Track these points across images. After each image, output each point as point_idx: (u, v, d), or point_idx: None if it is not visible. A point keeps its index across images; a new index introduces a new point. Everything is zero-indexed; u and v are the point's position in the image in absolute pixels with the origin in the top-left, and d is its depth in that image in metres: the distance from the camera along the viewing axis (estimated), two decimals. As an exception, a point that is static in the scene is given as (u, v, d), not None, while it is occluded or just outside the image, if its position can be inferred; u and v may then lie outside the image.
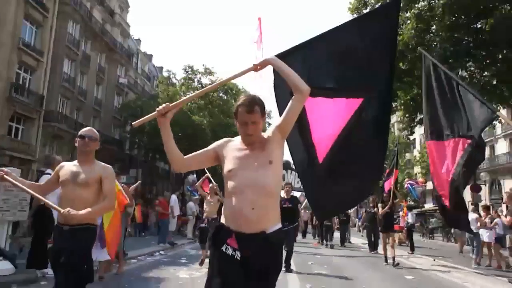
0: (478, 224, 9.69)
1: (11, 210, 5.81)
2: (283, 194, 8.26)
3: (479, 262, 9.79)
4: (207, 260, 6.78)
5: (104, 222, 5.19)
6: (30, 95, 21.88)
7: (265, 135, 2.30)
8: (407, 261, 10.68)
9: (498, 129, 31.14)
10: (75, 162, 3.23)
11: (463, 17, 11.89)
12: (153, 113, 2.20)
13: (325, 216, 3.61)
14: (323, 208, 3.59)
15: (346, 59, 3.18)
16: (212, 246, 2.20)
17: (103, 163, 3.31)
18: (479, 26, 12.18)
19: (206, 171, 8.41)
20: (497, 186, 32.70)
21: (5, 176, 2.89)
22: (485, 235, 9.67)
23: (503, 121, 18.06)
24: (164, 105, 2.22)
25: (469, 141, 4.41)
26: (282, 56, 2.81)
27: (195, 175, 16.17)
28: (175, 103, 2.26)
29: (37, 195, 3.06)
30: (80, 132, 3.25)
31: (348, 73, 3.19)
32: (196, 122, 27.45)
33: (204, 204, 8.45)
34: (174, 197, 13.33)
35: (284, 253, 6.77)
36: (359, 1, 14.15)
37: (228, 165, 2.21)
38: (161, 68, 49.70)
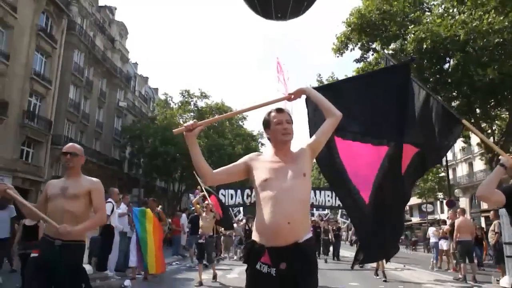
0: (436, 235, 11.83)
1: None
2: None
3: (440, 266, 11.84)
4: (206, 276, 8.22)
5: (148, 240, 7.04)
6: (40, 121, 23.47)
7: (296, 150, 2.37)
8: (401, 273, 11.16)
9: (476, 148, 33.47)
10: (63, 179, 3.30)
11: (426, 61, 14.00)
12: (181, 128, 2.28)
13: (366, 259, 3.50)
14: (367, 247, 3.41)
15: (370, 107, 3.26)
16: (247, 265, 2.21)
17: (90, 178, 3.34)
18: (443, 67, 14.33)
19: (203, 189, 8.85)
20: (475, 200, 34.91)
21: (7, 190, 2.96)
22: (444, 244, 11.55)
23: (478, 140, 20.00)
24: (192, 121, 2.28)
25: (416, 149, 3.69)
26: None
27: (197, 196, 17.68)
28: (203, 121, 2.37)
29: (35, 209, 3.10)
30: (63, 149, 3.32)
31: (373, 120, 3.27)
32: (194, 143, 29.21)
33: (200, 221, 8.52)
34: (184, 216, 14.96)
35: None
36: (341, 43, 16.26)
37: (262, 175, 2.23)
38: (157, 89, 51.63)
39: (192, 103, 34.27)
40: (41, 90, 23.80)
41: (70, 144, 3.42)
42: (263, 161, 2.32)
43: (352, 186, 3.24)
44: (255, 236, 2.19)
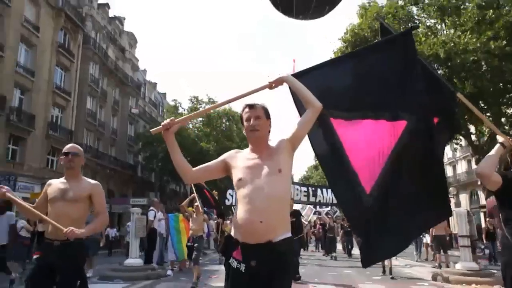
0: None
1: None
2: None
3: (426, 258, 13.54)
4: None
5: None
6: (62, 131, 25.40)
7: (274, 145, 2.33)
8: (409, 269, 11.35)
9: (458, 152, 35.03)
10: (62, 179, 3.23)
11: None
12: (159, 127, 2.28)
13: (370, 261, 2.98)
14: (370, 247, 2.94)
15: (376, 82, 2.96)
16: (225, 259, 2.24)
17: (90, 180, 3.32)
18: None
19: (194, 191, 9.07)
20: (475, 196, 36.51)
21: (6, 193, 2.95)
22: (427, 237, 13.19)
23: (463, 144, 21.47)
24: (169, 119, 2.28)
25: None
26: (299, 75, 2.74)
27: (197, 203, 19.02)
28: (180, 118, 2.36)
29: (36, 211, 3.09)
30: (63, 150, 3.26)
31: (382, 95, 2.93)
32: (204, 148, 31.03)
33: (190, 223, 8.59)
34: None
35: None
36: (345, 46, 17.82)
37: (238, 174, 2.23)
38: (165, 94, 53.50)
39: (200, 108, 36.04)
40: (62, 102, 25.73)
41: (71, 144, 3.39)
42: (241, 158, 2.30)
43: (352, 174, 2.88)
44: (232, 232, 2.23)
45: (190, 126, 36.99)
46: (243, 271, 2.08)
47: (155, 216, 10.09)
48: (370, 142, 2.94)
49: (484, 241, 15.52)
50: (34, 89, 22.67)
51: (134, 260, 8.88)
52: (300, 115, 2.52)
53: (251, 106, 2.32)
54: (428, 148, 2.88)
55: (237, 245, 2.14)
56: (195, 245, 7.95)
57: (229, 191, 14.18)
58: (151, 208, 10.29)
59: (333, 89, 2.98)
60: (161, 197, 36.79)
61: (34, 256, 3.41)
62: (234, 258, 2.12)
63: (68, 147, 3.29)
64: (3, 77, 20.12)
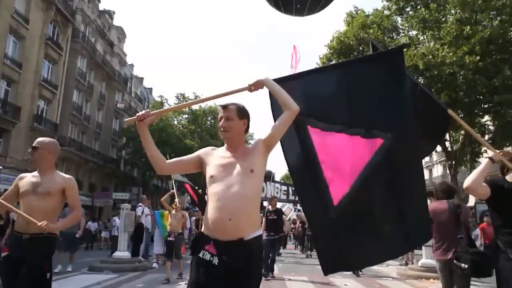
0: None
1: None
2: (268, 206, 9.30)
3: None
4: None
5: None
6: (47, 124, 25.39)
7: (250, 145, 2.37)
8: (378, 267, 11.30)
9: (435, 157, 36.28)
10: (35, 172, 3.17)
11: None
12: (133, 117, 2.30)
13: (329, 269, 2.96)
14: (327, 259, 2.97)
15: (357, 97, 2.95)
16: (191, 253, 2.22)
17: (64, 174, 3.27)
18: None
19: (174, 187, 9.24)
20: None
21: None
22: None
23: (438, 149, 22.40)
24: (144, 111, 2.31)
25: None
26: (282, 81, 2.73)
27: (189, 197, 19.31)
28: (154, 111, 2.37)
29: (6, 204, 3.06)
30: (34, 143, 3.21)
31: (361, 111, 2.93)
32: (188, 145, 31.35)
33: (169, 219, 8.65)
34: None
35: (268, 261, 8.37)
36: (323, 64, 18.55)
37: (210, 171, 2.25)
38: (151, 89, 53.48)
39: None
40: (48, 95, 25.71)
41: (42, 138, 3.33)
42: (215, 156, 2.33)
43: (323, 184, 2.87)
44: (203, 229, 2.24)
45: (175, 122, 37.23)
46: (216, 264, 2.08)
47: (142, 212, 10.60)
48: (343, 155, 2.94)
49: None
50: (21, 81, 22.65)
51: (122, 253, 9.33)
52: (275, 121, 2.52)
53: (224, 107, 2.35)
54: (409, 165, 2.91)
55: (209, 240, 2.14)
56: (171, 240, 8.01)
57: None
58: (139, 204, 10.86)
59: (313, 98, 2.98)
60: (143, 192, 36.97)
61: (3, 254, 3.34)
62: (207, 251, 2.11)
63: (38, 140, 3.24)
64: (-9, 68, 20.11)
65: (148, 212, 11.22)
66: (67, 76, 27.78)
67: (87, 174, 31.13)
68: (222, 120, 2.32)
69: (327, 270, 2.97)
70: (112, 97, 36.29)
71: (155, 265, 10.02)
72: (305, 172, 2.99)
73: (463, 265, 3.80)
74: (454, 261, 3.90)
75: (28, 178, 3.12)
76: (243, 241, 2.10)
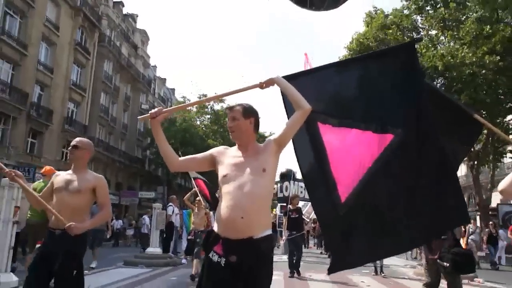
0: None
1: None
2: (290, 205, 9.42)
3: (416, 257, 14.53)
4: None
5: None
6: (76, 125, 26.58)
7: (262, 145, 2.39)
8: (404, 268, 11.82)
9: None
10: (70, 171, 3.29)
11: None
12: (147, 115, 2.36)
13: (336, 267, 3.03)
14: (338, 256, 3.07)
15: (369, 92, 2.97)
16: (205, 252, 2.29)
17: (96, 174, 3.39)
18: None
19: (195, 186, 9.09)
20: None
21: (15, 177, 3.01)
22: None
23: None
24: (157, 109, 2.36)
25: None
26: (293, 77, 2.77)
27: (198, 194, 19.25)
28: (167, 109, 2.42)
29: (41, 200, 3.16)
30: (72, 142, 3.31)
31: (372, 106, 2.94)
32: (211, 145, 32.12)
33: (192, 217, 8.73)
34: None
35: (294, 260, 8.61)
36: (350, 54, 18.71)
37: (222, 171, 2.29)
38: (174, 89, 54.55)
39: (209, 106, 37.09)
40: (77, 98, 26.93)
41: (78, 138, 3.45)
42: (228, 155, 2.36)
43: (331, 181, 2.92)
44: (215, 227, 2.27)
45: (198, 123, 38.10)
46: (223, 265, 2.11)
47: (173, 211, 11.41)
48: (352, 152, 2.95)
49: (485, 245, 15.68)
50: (53, 85, 23.86)
51: (154, 249, 10.06)
52: (288, 118, 2.55)
53: (229, 108, 2.42)
54: (430, 161, 2.82)
55: (218, 239, 2.18)
56: (197, 240, 7.94)
57: None
58: (170, 204, 11.74)
59: (325, 94, 3.01)
60: (168, 191, 38.02)
61: (37, 245, 3.53)
62: (215, 251, 2.15)
63: (76, 140, 3.34)
64: (26, 75, 21.32)
65: (177, 211, 11.93)
66: (95, 79, 28.96)
67: (114, 173, 32.31)
68: (229, 121, 2.39)
69: (332, 269, 3.04)
70: (137, 98, 37.46)
71: (183, 261, 10.64)
72: (315, 171, 3.04)
73: (445, 264, 4.30)
74: (438, 260, 4.41)
75: (63, 176, 3.25)
76: (253, 239, 2.14)
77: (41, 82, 23.21)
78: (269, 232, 2.26)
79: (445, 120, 3.09)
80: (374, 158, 2.88)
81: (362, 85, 3.01)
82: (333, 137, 2.96)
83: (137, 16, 41.65)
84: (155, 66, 48.82)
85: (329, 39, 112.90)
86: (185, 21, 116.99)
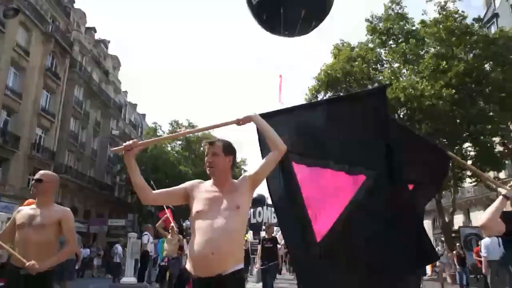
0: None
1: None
2: (264, 234, 9.47)
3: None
4: None
5: None
6: (44, 152, 25.94)
7: (236, 181, 2.39)
8: None
9: None
10: (33, 205, 3.19)
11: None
12: (121, 147, 2.34)
13: None
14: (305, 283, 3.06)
15: (342, 133, 3.01)
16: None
17: (62, 207, 3.28)
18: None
19: (167, 212, 9.12)
20: (438, 223, 38.78)
21: None
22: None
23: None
24: (131, 141, 2.35)
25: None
26: (269, 116, 2.84)
27: (189, 222, 20.00)
28: (142, 142, 2.45)
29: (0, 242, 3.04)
30: (36, 176, 3.23)
31: (346, 147, 2.97)
32: (183, 171, 32.04)
33: (165, 244, 8.69)
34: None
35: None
36: (312, 95, 19.66)
37: (196, 206, 2.27)
38: (144, 115, 54.24)
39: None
40: (46, 124, 26.40)
41: (43, 171, 3.35)
42: (202, 190, 2.35)
43: (306, 221, 2.93)
44: (187, 265, 2.25)
45: (169, 149, 37.93)
46: None
47: (148, 240, 11.37)
48: (328, 191, 2.96)
49: (457, 266, 15.70)
50: (21, 110, 23.38)
51: (129, 278, 9.98)
52: (262, 156, 2.59)
53: (210, 143, 2.42)
54: (399, 204, 2.85)
55: (189, 278, 2.19)
56: (169, 269, 7.87)
57: None
58: (145, 232, 11.66)
59: (299, 134, 3.03)
60: (138, 218, 37.22)
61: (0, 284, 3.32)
62: None
63: (40, 173, 3.26)
64: (-7, 100, 20.85)
65: (152, 240, 11.87)
66: (65, 105, 28.56)
67: (82, 200, 31.44)
68: (209, 156, 2.38)
69: None
70: (107, 124, 37.03)
71: None
72: (289, 209, 3.05)
73: None
74: None
75: (26, 211, 3.15)
76: (221, 277, 2.12)
77: (8, 107, 22.69)
78: (240, 266, 2.26)
79: (416, 161, 3.21)
80: (348, 199, 2.92)
81: (335, 126, 3.05)
82: (308, 176, 3.00)
83: (109, 42, 41.71)
84: (126, 92, 48.58)
85: (299, 66, 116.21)
86: (157, 46, 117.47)
